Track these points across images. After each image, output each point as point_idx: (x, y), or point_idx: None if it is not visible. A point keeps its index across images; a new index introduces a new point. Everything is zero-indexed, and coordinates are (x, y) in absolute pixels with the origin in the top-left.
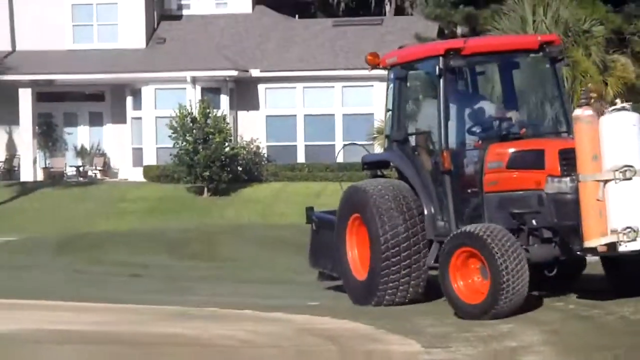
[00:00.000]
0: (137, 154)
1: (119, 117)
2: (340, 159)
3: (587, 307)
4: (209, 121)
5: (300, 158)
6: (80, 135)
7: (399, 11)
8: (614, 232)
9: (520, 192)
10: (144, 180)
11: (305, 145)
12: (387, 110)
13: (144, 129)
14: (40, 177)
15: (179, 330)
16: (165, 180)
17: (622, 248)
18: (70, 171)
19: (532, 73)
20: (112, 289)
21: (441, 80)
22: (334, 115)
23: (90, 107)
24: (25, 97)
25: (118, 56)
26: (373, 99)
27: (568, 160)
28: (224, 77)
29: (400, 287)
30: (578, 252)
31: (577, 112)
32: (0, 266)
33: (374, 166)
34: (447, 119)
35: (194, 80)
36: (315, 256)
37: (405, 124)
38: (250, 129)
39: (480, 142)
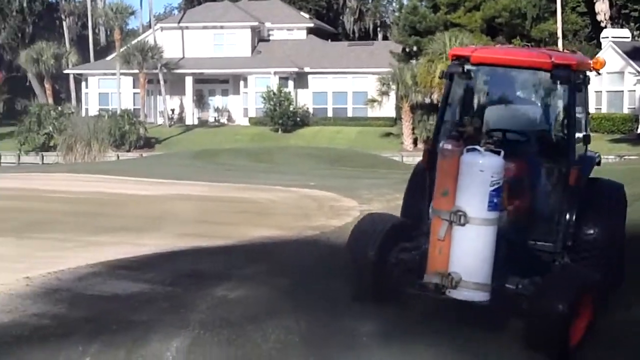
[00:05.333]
0: (245, 111)
1: (236, 91)
2: (350, 114)
3: None
4: (282, 95)
5: (330, 114)
6: (217, 101)
7: (384, 38)
8: (441, 274)
9: None
10: (248, 124)
11: (333, 108)
12: None
13: (249, 98)
14: (196, 122)
15: (242, 195)
16: (259, 124)
17: (446, 292)
18: (211, 120)
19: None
20: (216, 175)
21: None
22: (347, 92)
23: (222, 86)
24: (189, 81)
25: (237, 60)
26: (368, 84)
27: None
28: (290, 72)
29: None
30: (416, 284)
31: (441, 143)
32: (164, 163)
33: None
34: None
35: (275, 73)
36: None
37: None
38: (304, 99)
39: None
